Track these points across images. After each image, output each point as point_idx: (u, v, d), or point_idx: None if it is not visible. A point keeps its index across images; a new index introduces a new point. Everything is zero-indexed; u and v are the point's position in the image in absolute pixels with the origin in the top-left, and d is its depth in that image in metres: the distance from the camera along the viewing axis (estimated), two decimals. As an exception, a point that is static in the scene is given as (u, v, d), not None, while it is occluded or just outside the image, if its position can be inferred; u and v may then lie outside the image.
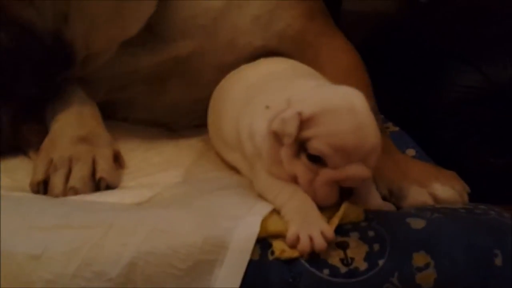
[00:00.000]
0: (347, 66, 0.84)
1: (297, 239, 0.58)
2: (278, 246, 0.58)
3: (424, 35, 0.71)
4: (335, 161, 0.59)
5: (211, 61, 0.86)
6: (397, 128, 0.83)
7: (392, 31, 0.96)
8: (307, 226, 0.58)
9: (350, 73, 0.82)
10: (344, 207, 0.61)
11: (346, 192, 0.62)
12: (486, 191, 0.73)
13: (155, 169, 0.78)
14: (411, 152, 0.81)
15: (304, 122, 0.59)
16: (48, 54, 0.77)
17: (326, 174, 0.60)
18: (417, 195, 0.71)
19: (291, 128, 0.59)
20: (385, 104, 0.76)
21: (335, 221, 0.60)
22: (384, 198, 0.69)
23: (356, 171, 0.60)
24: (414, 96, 0.70)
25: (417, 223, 0.61)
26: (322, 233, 0.57)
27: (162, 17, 0.82)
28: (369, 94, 0.77)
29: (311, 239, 0.57)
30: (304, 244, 0.57)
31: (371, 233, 0.60)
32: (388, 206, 0.68)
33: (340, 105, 0.60)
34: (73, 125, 0.78)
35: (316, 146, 0.59)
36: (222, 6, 0.83)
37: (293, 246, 0.58)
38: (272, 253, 0.58)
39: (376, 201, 0.66)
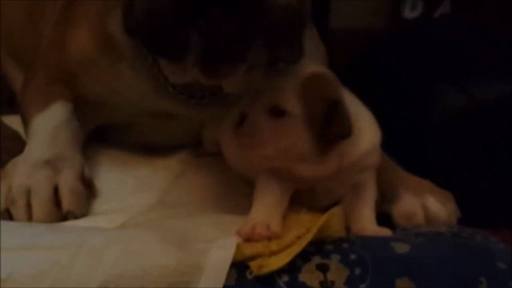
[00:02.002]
0: None
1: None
2: (255, 264, 0.57)
3: (410, 53, 0.70)
4: None
5: None
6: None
7: (379, 49, 0.96)
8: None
9: None
10: (326, 217, 0.60)
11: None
12: (472, 214, 0.72)
13: (129, 192, 0.77)
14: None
15: None
16: None
17: None
18: (409, 203, 0.72)
19: None
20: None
21: (313, 230, 0.59)
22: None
23: None
24: (399, 116, 0.70)
25: (401, 248, 0.60)
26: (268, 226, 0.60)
27: None
28: None
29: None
30: (245, 231, 0.60)
31: (353, 256, 0.59)
32: (384, 232, 0.67)
33: None
34: (40, 148, 0.76)
35: None
36: None
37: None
38: (251, 272, 0.56)
39: (370, 226, 0.66)
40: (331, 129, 0.61)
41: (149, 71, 0.80)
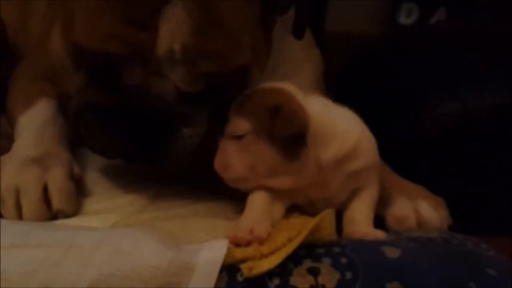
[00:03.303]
0: None
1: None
2: (246, 265, 0.57)
3: (404, 59, 0.70)
4: None
5: None
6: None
7: (373, 55, 0.96)
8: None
9: None
10: (317, 220, 0.60)
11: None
12: (464, 220, 0.72)
13: (121, 192, 0.76)
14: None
15: None
16: None
17: None
18: (402, 207, 0.72)
19: None
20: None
21: (304, 232, 0.59)
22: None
23: None
24: (392, 122, 0.70)
25: (392, 252, 0.60)
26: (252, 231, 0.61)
27: None
28: None
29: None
30: (230, 235, 0.61)
31: (343, 260, 0.58)
32: (379, 235, 0.66)
33: None
34: (28, 146, 0.75)
35: None
36: None
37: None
38: (242, 275, 0.56)
39: (366, 227, 0.67)
40: (277, 131, 0.64)
41: None
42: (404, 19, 0.99)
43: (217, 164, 0.68)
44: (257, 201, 0.67)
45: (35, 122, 0.79)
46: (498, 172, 0.77)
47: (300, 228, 0.60)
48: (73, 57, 0.73)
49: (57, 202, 0.69)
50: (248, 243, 0.61)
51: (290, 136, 0.64)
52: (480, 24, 0.94)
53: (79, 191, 0.73)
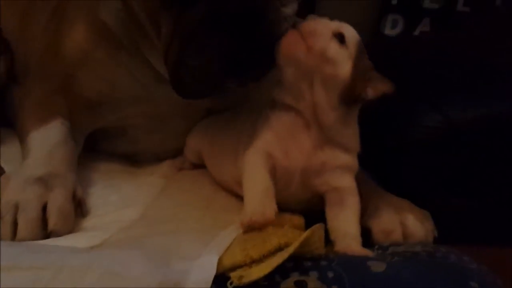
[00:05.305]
0: None
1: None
2: (236, 274, 0.57)
3: (388, 71, 0.71)
4: None
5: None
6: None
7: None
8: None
9: None
10: (308, 233, 0.61)
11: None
12: (447, 231, 0.73)
13: (112, 208, 0.76)
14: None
15: None
16: None
17: None
18: (388, 220, 0.72)
19: None
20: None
21: (296, 244, 0.60)
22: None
23: None
24: (377, 134, 0.71)
25: (378, 267, 0.61)
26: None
27: None
28: None
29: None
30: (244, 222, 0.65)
31: (330, 274, 0.59)
32: (366, 253, 0.67)
33: None
34: (36, 165, 0.75)
35: None
36: None
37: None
38: (231, 283, 0.57)
39: (354, 245, 0.67)
40: None
41: (146, 57, 0.81)
42: (389, 30, 1.00)
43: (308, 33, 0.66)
44: (259, 182, 0.68)
45: (47, 142, 0.79)
46: (481, 183, 0.78)
47: (291, 237, 0.61)
48: None
49: (53, 223, 0.68)
50: (262, 226, 0.64)
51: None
52: (463, 36, 0.95)
53: (79, 212, 0.73)
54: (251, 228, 0.64)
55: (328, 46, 0.66)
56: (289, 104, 0.69)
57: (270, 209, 0.65)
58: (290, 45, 0.67)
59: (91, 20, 0.85)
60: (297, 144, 0.69)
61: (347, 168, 0.70)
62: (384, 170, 0.80)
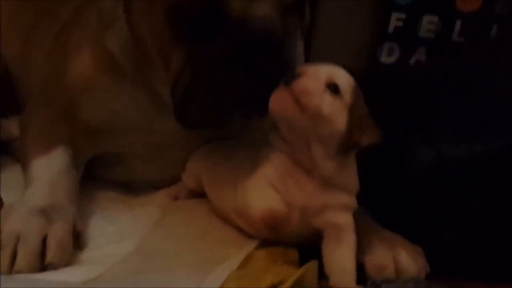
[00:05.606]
0: None
1: None
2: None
3: (381, 102, 0.72)
4: None
5: None
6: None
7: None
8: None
9: None
10: (302, 271, 0.62)
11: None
12: (439, 265, 0.74)
13: (108, 240, 0.76)
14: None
15: None
16: None
17: None
18: (382, 256, 0.72)
19: None
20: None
21: (290, 282, 0.61)
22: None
23: None
24: (368, 169, 0.71)
25: (370, 304, 0.61)
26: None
27: None
28: None
29: None
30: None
31: (321, 307, 0.59)
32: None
33: None
34: (39, 195, 0.76)
35: None
36: None
37: None
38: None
39: (349, 282, 0.67)
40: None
41: (151, 87, 0.82)
42: (385, 58, 1.01)
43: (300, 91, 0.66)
44: (266, 174, 0.70)
45: (49, 171, 0.80)
46: (473, 218, 0.79)
47: (285, 275, 0.62)
48: (171, 25, 0.73)
49: (51, 256, 0.69)
50: (285, 215, 0.66)
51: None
52: (457, 66, 0.95)
53: (76, 244, 0.74)
54: (276, 219, 0.66)
55: (322, 104, 0.65)
56: (285, 152, 0.70)
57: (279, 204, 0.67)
58: (282, 104, 0.66)
59: (96, 48, 0.85)
60: (298, 184, 0.69)
61: (347, 207, 0.70)
62: (377, 203, 0.80)
